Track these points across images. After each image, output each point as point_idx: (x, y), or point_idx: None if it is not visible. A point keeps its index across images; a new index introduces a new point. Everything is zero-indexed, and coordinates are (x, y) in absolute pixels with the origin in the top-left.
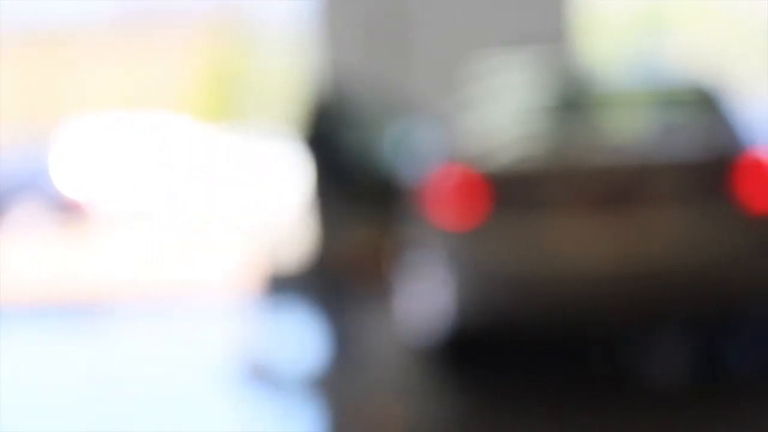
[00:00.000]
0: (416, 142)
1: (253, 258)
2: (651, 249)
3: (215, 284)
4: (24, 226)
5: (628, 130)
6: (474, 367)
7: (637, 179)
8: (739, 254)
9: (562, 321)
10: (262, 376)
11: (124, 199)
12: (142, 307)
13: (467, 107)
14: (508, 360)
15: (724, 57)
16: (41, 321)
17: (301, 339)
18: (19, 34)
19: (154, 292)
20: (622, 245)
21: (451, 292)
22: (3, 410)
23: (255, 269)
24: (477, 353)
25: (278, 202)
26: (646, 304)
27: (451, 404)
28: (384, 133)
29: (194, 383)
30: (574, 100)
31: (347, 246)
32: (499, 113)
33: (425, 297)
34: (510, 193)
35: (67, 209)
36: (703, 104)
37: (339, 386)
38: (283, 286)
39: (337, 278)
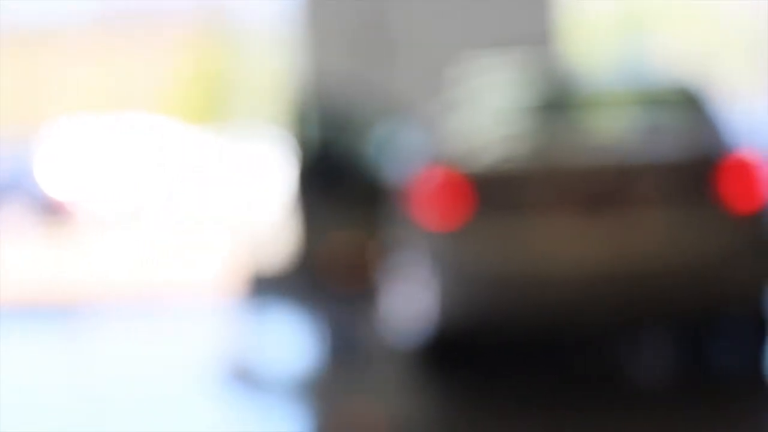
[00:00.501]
0: (401, 142)
1: (238, 259)
2: (635, 249)
3: (200, 285)
4: (8, 227)
5: (613, 131)
6: (459, 368)
7: (621, 180)
8: (723, 254)
9: (546, 321)
10: (246, 377)
11: (108, 200)
12: (126, 308)
13: (451, 108)
14: (494, 360)
15: (708, 58)
16: (25, 322)
17: (286, 340)
18: (2, 35)
19: (138, 293)
20: (606, 245)
21: (435, 292)
22: None
23: (240, 270)
24: (462, 354)
25: (263, 203)
26: (630, 304)
27: (436, 405)
28: (369, 133)
29: (178, 384)
30: (558, 101)
31: (332, 247)
32: (483, 114)
33: (410, 298)
34: (494, 193)
35: (51, 210)
36: (687, 105)
37: (323, 387)
38: (268, 287)
39: (321, 279)
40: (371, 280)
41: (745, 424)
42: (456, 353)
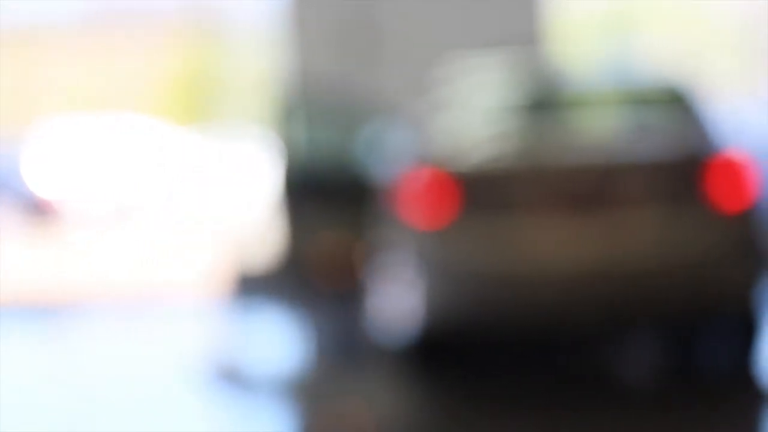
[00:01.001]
0: (388, 142)
1: (225, 258)
2: (622, 249)
3: (187, 285)
4: None
5: (600, 131)
6: (447, 368)
7: (609, 179)
8: (711, 254)
9: (533, 321)
10: (233, 376)
11: (95, 200)
12: (112, 307)
13: (438, 108)
14: (483, 360)
15: (696, 57)
16: (11, 321)
17: (273, 340)
18: None
19: (124, 292)
20: (593, 245)
21: (421, 291)
22: None
23: (227, 270)
24: (449, 353)
25: (249, 202)
26: (617, 304)
27: (424, 405)
28: (355, 133)
29: (165, 384)
30: (545, 100)
31: (319, 247)
32: (470, 113)
33: (397, 297)
34: (481, 193)
35: (38, 209)
36: (675, 104)
37: (311, 387)
38: (255, 287)
39: (308, 279)
40: (358, 280)
41: (735, 423)
42: (443, 352)
